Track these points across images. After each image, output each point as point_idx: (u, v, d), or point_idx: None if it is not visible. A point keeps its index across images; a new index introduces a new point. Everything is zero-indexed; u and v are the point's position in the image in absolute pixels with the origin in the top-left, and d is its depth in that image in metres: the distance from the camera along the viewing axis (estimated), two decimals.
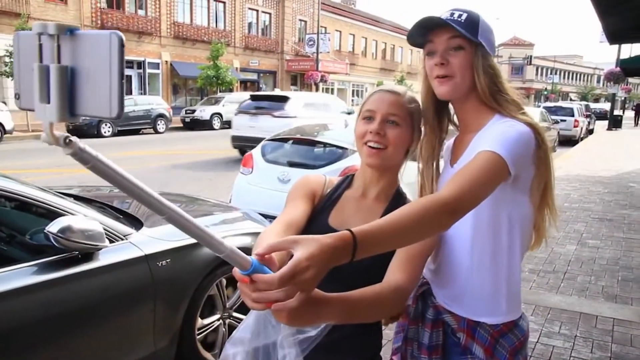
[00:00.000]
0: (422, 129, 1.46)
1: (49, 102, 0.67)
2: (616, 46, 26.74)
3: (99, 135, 19.12)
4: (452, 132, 1.53)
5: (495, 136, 1.24)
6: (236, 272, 0.85)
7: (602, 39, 10.24)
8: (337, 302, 0.99)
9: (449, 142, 1.54)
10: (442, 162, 1.54)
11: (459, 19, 1.32)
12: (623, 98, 44.78)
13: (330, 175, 1.55)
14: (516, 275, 1.40)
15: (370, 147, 1.35)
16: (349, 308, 1.02)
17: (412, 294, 1.44)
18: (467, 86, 1.35)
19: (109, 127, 19.71)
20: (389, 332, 2.08)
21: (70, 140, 0.66)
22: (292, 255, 0.85)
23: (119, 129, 20.16)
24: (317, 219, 1.40)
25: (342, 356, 1.32)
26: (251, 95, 14.99)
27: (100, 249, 2.45)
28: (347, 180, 1.48)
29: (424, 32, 1.36)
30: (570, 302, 4.21)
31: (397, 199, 1.42)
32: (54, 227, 2.23)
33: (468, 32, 1.31)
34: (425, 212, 1.03)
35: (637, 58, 17.46)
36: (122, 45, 0.67)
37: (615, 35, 9.05)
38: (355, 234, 0.91)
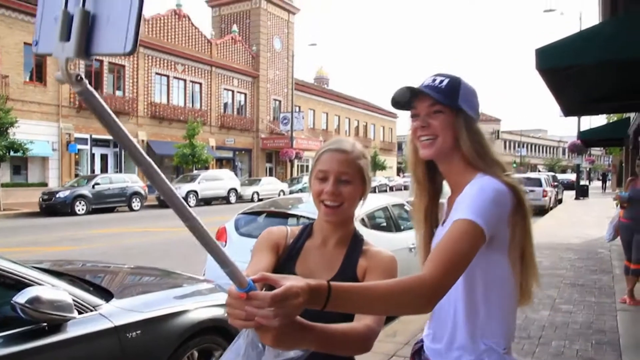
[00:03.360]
0: (410, 187, 1.59)
1: (68, 40, 0.75)
2: (576, 119, 28.14)
3: (72, 213, 18.90)
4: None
5: (471, 198, 1.31)
6: (232, 289, 0.96)
7: (561, 114, 10.84)
8: (318, 330, 1.10)
9: (443, 202, 1.60)
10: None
11: (440, 85, 1.41)
12: (588, 168, 46.49)
13: None
14: (496, 332, 1.42)
15: (327, 205, 1.46)
16: (327, 337, 1.14)
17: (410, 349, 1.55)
18: (448, 146, 1.42)
19: (83, 205, 19.55)
20: None
21: (81, 78, 0.73)
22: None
23: (93, 207, 20.01)
24: (284, 268, 1.48)
25: None
26: None
27: (69, 320, 2.42)
28: (307, 230, 1.58)
29: (407, 98, 1.45)
30: None
31: (355, 242, 1.53)
32: (21, 297, 2.22)
33: (448, 97, 1.39)
34: (405, 293, 1.13)
35: (594, 130, 18.41)
36: None
37: (569, 109, 9.61)
38: (332, 287, 1.03)
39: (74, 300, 2.47)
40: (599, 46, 4.24)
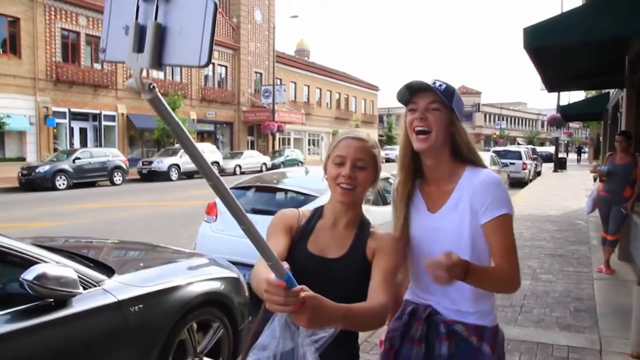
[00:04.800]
0: (396, 173, 1.77)
1: (141, 51, 0.80)
2: (556, 93, 28.46)
3: (53, 188, 18.69)
4: None
5: (499, 194, 1.62)
6: (271, 278, 1.09)
7: (542, 88, 10.98)
8: (344, 311, 1.25)
9: (415, 186, 1.80)
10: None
11: (440, 88, 1.62)
12: (566, 141, 47.27)
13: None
14: (486, 295, 1.72)
15: (343, 188, 1.57)
16: (351, 316, 1.29)
17: (414, 318, 1.72)
18: (441, 141, 1.63)
19: (64, 180, 19.33)
20: None
21: (153, 87, 0.79)
22: None
23: (74, 181, 19.79)
24: (297, 247, 1.60)
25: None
26: None
27: (75, 295, 2.48)
28: (318, 212, 1.70)
29: (409, 93, 1.65)
30: (528, 333, 4.41)
31: (363, 225, 1.66)
32: (29, 274, 2.26)
33: (446, 98, 1.61)
34: (500, 283, 1.62)
35: (574, 104, 18.68)
36: (215, 9, 0.80)
37: (552, 85, 9.75)
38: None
39: (78, 276, 2.52)
40: (581, 27, 4.36)
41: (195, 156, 0.87)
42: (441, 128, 1.62)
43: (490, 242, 1.61)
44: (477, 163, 1.69)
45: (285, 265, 1.11)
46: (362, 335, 3.91)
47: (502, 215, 1.60)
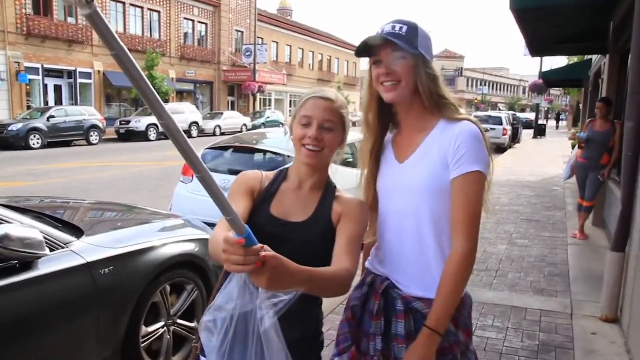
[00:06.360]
0: (361, 132, 1.66)
1: None
2: (538, 59, 28.43)
3: (27, 147, 18.25)
4: None
5: (471, 148, 1.45)
6: (229, 236, 1.01)
7: (526, 52, 10.92)
8: (307, 273, 1.18)
9: (386, 139, 1.69)
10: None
11: (400, 32, 1.47)
12: (546, 108, 47.61)
13: None
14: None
15: (308, 149, 1.49)
16: (314, 279, 1.22)
17: (372, 290, 1.61)
18: (410, 90, 1.50)
19: (38, 139, 18.86)
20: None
21: (92, 0, 0.69)
22: None
23: (49, 140, 19.33)
24: (259, 210, 1.53)
25: (290, 327, 1.40)
26: None
27: (40, 257, 2.39)
28: (282, 173, 1.62)
29: (370, 47, 1.51)
30: (502, 297, 4.47)
31: (329, 188, 1.59)
32: None
33: (408, 44, 1.46)
34: (451, 267, 1.46)
35: (556, 70, 18.70)
36: None
37: (536, 49, 9.68)
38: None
39: (44, 237, 2.43)
40: None
41: (136, 79, 0.77)
42: (410, 76, 1.49)
43: (452, 203, 1.46)
44: (453, 114, 1.52)
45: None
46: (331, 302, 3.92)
47: (473, 172, 1.43)
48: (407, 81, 1.48)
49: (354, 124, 2.97)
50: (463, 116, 1.52)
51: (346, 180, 1.87)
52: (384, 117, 1.64)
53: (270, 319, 1.11)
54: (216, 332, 1.20)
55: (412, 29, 1.49)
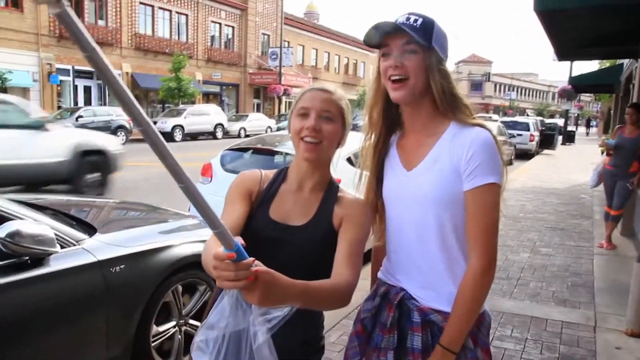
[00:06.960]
0: (363, 131, 1.55)
1: None
2: (568, 64, 27.86)
3: None
4: None
5: (487, 158, 1.35)
6: (219, 252, 0.96)
7: (555, 58, 10.70)
8: (302, 288, 1.12)
9: (389, 141, 1.57)
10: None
11: (415, 24, 1.36)
12: (576, 114, 46.62)
13: None
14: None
15: (307, 142, 1.41)
16: (310, 293, 1.16)
17: (386, 301, 1.52)
18: (420, 88, 1.38)
19: None
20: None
21: None
22: None
23: None
24: (257, 213, 1.46)
25: (291, 332, 1.34)
26: None
27: (51, 254, 2.40)
28: (282, 174, 1.54)
29: (380, 35, 1.40)
30: (522, 306, 4.34)
31: (331, 188, 1.51)
32: (1, 231, 2.18)
33: (422, 37, 1.35)
34: (467, 285, 1.37)
35: (585, 76, 18.27)
36: None
37: (563, 53, 9.47)
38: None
39: (56, 234, 2.44)
40: None
41: (111, 81, 0.73)
42: (420, 74, 1.37)
43: (467, 216, 1.37)
44: (466, 118, 1.41)
45: (240, 240, 0.98)
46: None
47: (488, 184, 1.34)
48: (417, 79, 1.37)
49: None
50: (476, 121, 1.41)
51: None
52: (390, 116, 1.52)
53: (264, 335, 1.07)
54: (208, 352, 1.16)
55: (429, 23, 1.38)
